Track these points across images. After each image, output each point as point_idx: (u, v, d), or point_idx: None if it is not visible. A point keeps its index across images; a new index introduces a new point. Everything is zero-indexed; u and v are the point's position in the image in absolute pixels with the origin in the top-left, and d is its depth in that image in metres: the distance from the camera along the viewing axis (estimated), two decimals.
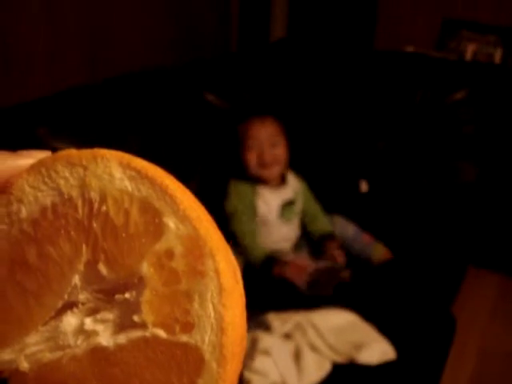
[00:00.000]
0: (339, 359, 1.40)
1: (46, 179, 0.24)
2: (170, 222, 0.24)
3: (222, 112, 1.90)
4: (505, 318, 2.46)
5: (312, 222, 1.89)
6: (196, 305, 0.23)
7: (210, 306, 0.23)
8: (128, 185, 0.24)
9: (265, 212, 1.79)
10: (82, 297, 0.24)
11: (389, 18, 3.10)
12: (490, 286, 2.65)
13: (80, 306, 0.24)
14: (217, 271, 0.24)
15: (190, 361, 0.23)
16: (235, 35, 3.10)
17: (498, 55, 2.92)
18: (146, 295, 0.24)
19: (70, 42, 2.08)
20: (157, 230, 0.24)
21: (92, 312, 0.24)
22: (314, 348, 1.40)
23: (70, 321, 0.24)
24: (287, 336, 1.43)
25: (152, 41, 2.43)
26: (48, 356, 0.24)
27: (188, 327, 0.23)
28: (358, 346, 1.41)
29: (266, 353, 1.31)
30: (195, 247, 0.24)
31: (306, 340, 1.41)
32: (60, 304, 0.24)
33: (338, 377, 1.36)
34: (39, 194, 0.24)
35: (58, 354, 0.24)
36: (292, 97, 2.30)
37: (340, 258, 1.78)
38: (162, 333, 0.23)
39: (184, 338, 0.23)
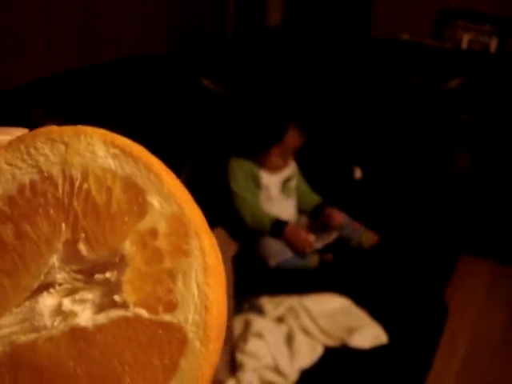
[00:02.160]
0: (331, 343, 1.41)
1: (25, 156, 0.24)
2: (155, 201, 0.23)
3: (216, 96, 1.90)
4: (496, 305, 2.47)
5: (303, 198, 1.97)
6: (180, 284, 0.23)
7: (194, 285, 0.23)
8: (111, 163, 0.24)
9: (268, 187, 1.86)
10: (59, 277, 0.24)
11: (385, 6, 3.10)
12: (483, 273, 2.66)
13: (57, 286, 0.24)
14: (202, 250, 0.23)
15: (173, 340, 0.23)
16: (231, 22, 3.09)
17: (493, 44, 2.92)
18: (128, 275, 0.23)
19: (65, 27, 2.06)
20: (140, 208, 0.23)
21: (70, 292, 0.24)
22: (306, 331, 1.42)
23: (47, 301, 0.24)
24: (280, 319, 1.44)
25: (148, 26, 2.42)
26: (22, 338, 0.23)
27: (171, 306, 0.23)
28: (351, 330, 1.42)
29: (259, 336, 1.32)
30: (180, 226, 0.23)
31: (298, 323, 1.42)
32: (36, 284, 0.23)
33: (330, 360, 1.37)
34: (17, 172, 0.23)
35: (33, 335, 0.23)
36: (287, 83, 2.29)
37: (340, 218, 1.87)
38: (144, 312, 0.23)
39: (167, 317, 0.23)
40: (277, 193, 1.87)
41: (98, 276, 0.23)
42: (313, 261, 1.78)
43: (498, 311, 2.43)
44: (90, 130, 0.24)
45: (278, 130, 1.76)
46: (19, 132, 0.25)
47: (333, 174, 2.26)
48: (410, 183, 2.27)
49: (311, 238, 1.80)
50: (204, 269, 0.23)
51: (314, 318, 1.44)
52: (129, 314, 0.23)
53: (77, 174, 0.23)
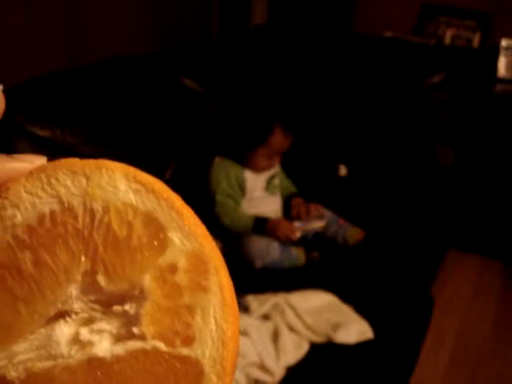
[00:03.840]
0: (317, 339, 1.42)
1: (46, 186, 0.24)
2: (175, 237, 0.24)
3: (199, 96, 1.90)
4: (485, 300, 2.49)
5: (285, 193, 1.98)
6: (198, 319, 0.24)
7: (213, 321, 0.24)
8: (133, 198, 0.24)
9: (252, 186, 1.86)
10: (76, 306, 0.24)
11: (368, 3, 3.11)
12: (470, 268, 2.68)
13: (74, 315, 0.24)
14: (221, 287, 0.24)
15: (190, 374, 0.23)
16: (216, 21, 3.09)
17: (476, 40, 2.93)
18: (147, 308, 0.24)
19: (47, 29, 2.05)
20: (161, 244, 0.24)
21: (87, 322, 0.24)
22: (292, 328, 1.42)
23: (64, 330, 0.24)
24: (265, 317, 1.45)
25: (132, 27, 2.42)
26: (38, 365, 0.23)
27: (189, 340, 0.24)
28: (336, 326, 1.42)
29: (244, 333, 1.32)
30: (199, 263, 0.24)
31: (284, 320, 1.43)
32: (52, 312, 0.24)
33: (316, 356, 1.38)
34: (37, 201, 0.24)
35: (50, 363, 0.23)
36: (272, 82, 2.30)
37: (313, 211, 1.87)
38: (161, 345, 0.23)
39: (184, 351, 0.24)
40: (261, 192, 1.88)
41: (116, 307, 0.24)
42: (299, 260, 1.78)
43: (486, 306, 2.45)
44: (112, 164, 0.24)
45: (262, 130, 1.76)
46: (39, 160, 0.25)
47: (318, 171, 2.26)
48: (394, 180, 2.28)
49: (295, 225, 1.80)
50: (222, 305, 0.24)
51: (299, 314, 1.44)
52: (147, 346, 0.23)
53: (98, 206, 0.24)
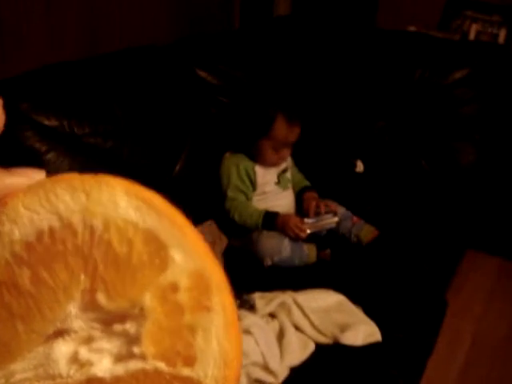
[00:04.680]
0: (324, 340, 1.38)
1: (44, 202, 0.23)
2: (177, 256, 0.23)
3: (212, 88, 1.87)
4: (502, 301, 2.43)
5: (296, 188, 1.94)
6: (200, 339, 0.23)
7: (215, 341, 0.23)
8: (133, 214, 0.23)
9: (263, 180, 1.82)
10: (75, 325, 0.23)
11: None
12: (489, 269, 2.62)
13: (73, 334, 0.23)
14: (223, 307, 0.24)
15: None
16: (238, 12, 3.05)
17: (502, 35, 2.85)
18: (147, 327, 0.23)
19: (68, 17, 2.04)
20: (162, 262, 0.23)
21: (86, 341, 0.23)
22: (298, 328, 1.38)
23: (62, 349, 0.23)
24: (271, 315, 1.41)
25: (153, 16, 2.38)
26: None
27: (190, 361, 0.23)
28: (344, 327, 1.38)
29: (247, 332, 1.29)
30: (201, 282, 0.23)
31: (290, 319, 1.39)
32: (51, 331, 0.23)
33: (322, 357, 1.34)
34: (35, 217, 0.23)
35: (48, 383, 0.23)
36: (291, 74, 2.26)
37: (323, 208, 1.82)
38: (162, 365, 0.23)
39: (185, 371, 0.23)
40: (273, 186, 1.84)
41: (116, 326, 0.23)
42: (310, 258, 1.74)
43: (503, 308, 2.38)
44: (112, 180, 0.24)
45: (264, 121, 1.72)
46: (37, 175, 0.24)
47: (333, 166, 2.22)
48: (413, 177, 2.23)
49: (306, 221, 1.76)
50: (225, 325, 0.24)
51: (306, 314, 1.41)
52: (147, 366, 0.23)
53: (98, 223, 0.23)
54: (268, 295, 1.47)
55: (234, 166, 1.79)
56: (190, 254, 0.23)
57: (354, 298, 1.53)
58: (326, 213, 1.82)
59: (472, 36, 2.87)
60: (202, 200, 1.76)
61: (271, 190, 1.83)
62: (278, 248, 1.71)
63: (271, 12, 3.17)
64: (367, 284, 1.65)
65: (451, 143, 2.23)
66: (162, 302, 0.23)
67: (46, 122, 1.35)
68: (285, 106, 1.75)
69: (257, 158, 1.80)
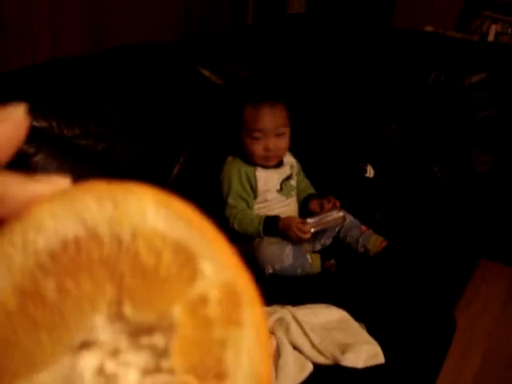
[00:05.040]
0: (323, 360, 1.30)
1: (70, 210, 0.23)
2: (207, 268, 0.23)
3: (215, 87, 1.78)
4: None
5: (302, 195, 1.87)
6: (230, 354, 0.23)
7: (246, 357, 0.23)
8: (162, 225, 0.23)
9: (265, 190, 1.75)
10: (102, 336, 0.22)
11: None
12: (502, 280, 2.52)
13: (98, 346, 0.22)
14: (254, 322, 0.23)
15: None
16: (251, 9, 2.97)
17: None
18: (176, 340, 0.22)
19: (74, 12, 1.96)
20: (191, 274, 0.23)
21: (113, 353, 0.23)
22: (296, 347, 1.30)
23: (88, 361, 0.22)
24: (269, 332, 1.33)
25: (161, 11, 2.30)
26: None
27: (220, 376, 0.22)
28: (345, 348, 1.30)
29: None
30: (232, 295, 0.23)
31: (288, 337, 1.31)
32: (76, 342, 0.22)
33: (320, 380, 1.26)
34: (60, 226, 0.22)
35: None
36: (300, 74, 2.17)
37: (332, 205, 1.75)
38: (192, 380, 0.22)
39: None
40: (275, 194, 1.76)
41: (144, 339, 0.23)
42: (314, 268, 1.66)
43: None
44: (140, 189, 0.23)
45: (235, 111, 1.65)
46: (62, 182, 0.24)
47: (342, 171, 2.13)
48: (425, 184, 2.14)
49: (309, 221, 1.66)
50: (256, 340, 0.23)
51: (305, 331, 1.33)
52: (176, 380, 0.22)
53: (125, 233, 0.23)
54: (267, 309, 1.39)
55: (236, 171, 1.71)
56: (220, 266, 0.23)
57: (358, 314, 1.45)
58: (330, 210, 1.74)
59: (491, 37, 2.77)
60: (201, 205, 1.68)
61: (273, 197, 1.75)
62: (279, 255, 1.63)
63: (285, 9, 3.09)
64: (372, 299, 1.57)
65: (466, 150, 2.14)
66: (191, 315, 0.22)
67: (34, 123, 1.27)
68: (251, 91, 1.70)
69: (249, 157, 1.72)
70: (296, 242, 1.65)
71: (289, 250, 1.64)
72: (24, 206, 0.23)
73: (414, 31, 2.48)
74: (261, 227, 1.66)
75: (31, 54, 1.82)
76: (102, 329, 0.22)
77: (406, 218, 2.00)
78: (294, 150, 1.86)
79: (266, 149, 1.69)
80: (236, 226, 1.66)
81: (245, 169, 1.72)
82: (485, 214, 2.15)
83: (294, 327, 1.33)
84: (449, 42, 2.32)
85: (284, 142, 1.73)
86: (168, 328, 0.23)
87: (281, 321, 1.35)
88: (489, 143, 2.14)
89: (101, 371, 0.22)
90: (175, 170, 1.60)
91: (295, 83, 2.11)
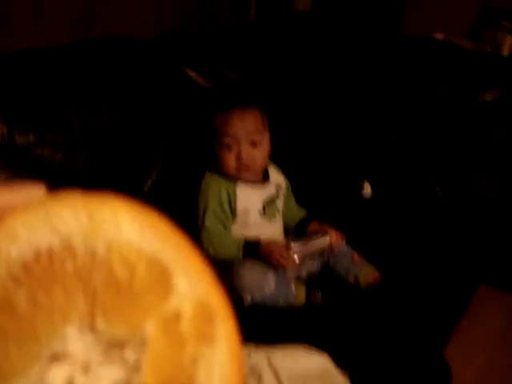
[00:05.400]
0: None
1: (44, 221, 0.22)
2: (181, 283, 0.23)
3: (202, 91, 1.61)
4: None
5: (289, 215, 1.70)
6: (202, 371, 0.22)
7: (218, 374, 0.22)
8: (137, 238, 0.22)
9: (245, 210, 1.57)
10: (72, 349, 0.22)
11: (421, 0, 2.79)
12: (501, 308, 2.37)
13: (69, 358, 0.22)
14: (227, 338, 0.23)
15: None
16: (254, 4, 2.80)
17: None
18: (148, 355, 0.22)
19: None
20: (165, 289, 0.22)
21: (83, 367, 0.22)
22: None
23: (58, 374, 0.22)
24: None
25: (158, 4, 2.11)
26: None
27: None
28: None
29: None
30: (205, 311, 0.23)
31: None
32: (46, 354, 0.22)
33: None
34: (34, 236, 0.22)
35: None
36: (297, 78, 2.00)
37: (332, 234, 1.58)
38: None
39: None
40: (257, 216, 1.58)
41: (115, 353, 0.22)
42: (298, 300, 1.49)
43: None
44: (116, 201, 0.23)
45: (207, 121, 1.49)
46: (37, 191, 0.24)
47: (336, 188, 1.96)
48: (424, 205, 1.97)
49: (293, 246, 1.50)
50: (228, 357, 0.23)
51: (281, 381, 1.16)
52: None
53: (99, 246, 0.22)
54: None
55: (214, 188, 1.53)
56: (194, 281, 0.23)
57: (342, 359, 1.28)
58: (315, 233, 1.57)
59: (506, 50, 2.59)
60: (177, 215, 1.51)
61: (255, 220, 1.58)
62: (260, 283, 1.46)
63: (290, 6, 2.92)
64: (359, 340, 1.40)
65: (472, 171, 1.97)
66: (164, 331, 0.22)
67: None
68: (220, 97, 1.55)
69: (223, 170, 1.55)
70: (279, 271, 1.49)
71: (271, 276, 1.47)
72: None
73: (425, 38, 2.31)
74: (240, 254, 1.49)
75: (11, 39, 1.64)
76: (74, 341, 0.22)
77: (401, 241, 1.83)
78: (281, 162, 1.69)
79: (239, 158, 1.52)
80: (212, 251, 1.49)
81: (225, 185, 1.54)
82: (486, 238, 1.99)
83: (267, 376, 1.16)
84: (461, 54, 2.15)
85: (260, 152, 1.54)
86: (140, 343, 0.22)
87: (253, 369, 1.18)
88: (497, 167, 1.97)
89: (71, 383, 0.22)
90: (146, 187, 1.42)
91: (289, 88, 1.94)
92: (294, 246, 1.49)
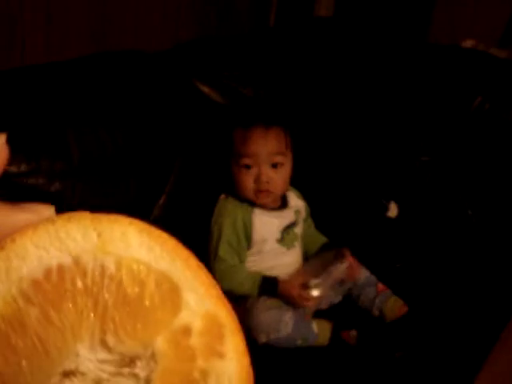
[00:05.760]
0: None
1: (54, 239, 0.22)
2: (190, 299, 0.23)
3: (216, 107, 1.49)
4: None
5: (308, 242, 1.58)
6: (212, 383, 0.23)
7: None
8: (146, 255, 0.23)
9: (262, 238, 1.45)
10: (83, 366, 0.22)
11: (448, 5, 2.65)
12: None
13: (80, 375, 0.22)
14: (237, 353, 0.23)
15: None
16: (274, 10, 2.69)
17: None
18: (158, 371, 0.22)
19: (70, 9, 1.67)
20: (174, 305, 0.23)
21: (95, 383, 0.22)
22: None
23: None
24: None
25: (174, 10, 1.99)
26: None
27: None
28: None
29: None
30: (214, 326, 0.23)
31: None
32: (58, 371, 0.22)
33: None
34: (44, 254, 0.22)
35: None
36: (317, 91, 1.88)
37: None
38: None
39: None
40: (274, 244, 1.46)
41: (126, 369, 0.23)
42: (320, 340, 1.36)
43: None
44: (125, 219, 0.23)
45: (225, 139, 1.38)
46: (47, 210, 0.24)
47: (359, 208, 1.83)
48: (455, 229, 1.83)
49: (312, 284, 1.38)
50: (238, 371, 0.23)
51: None
52: None
53: (109, 263, 0.23)
54: None
55: (230, 215, 1.41)
56: (203, 297, 0.23)
57: None
58: (331, 259, 1.45)
59: None
60: (187, 239, 1.39)
61: (271, 249, 1.45)
62: (276, 323, 1.33)
63: (311, 11, 2.81)
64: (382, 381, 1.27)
65: (507, 193, 1.83)
66: (174, 346, 0.22)
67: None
68: (242, 114, 1.44)
69: (240, 193, 1.43)
70: (299, 307, 1.37)
71: (289, 316, 1.34)
72: (8, 234, 0.23)
73: (452, 46, 2.18)
74: (255, 290, 1.37)
75: (21, 46, 1.54)
76: (85, 358, 0.22)
77: (430, 269, 1.70)
78: (299, 185, 1.56)
79: (258, 180, 1.39)
80: (225, 285, 1.36)
81: (241, 211, 1.42)
82: None
83: None
84: (493, 62, 2.01)
85: (281, 176, 1.42)
86: (151, 358, 0.22)
87: None
88: None
89: None
90: (155, 212, 1.30)
91: (309, 101, 1.81)
92: (313, 283, 1.37)
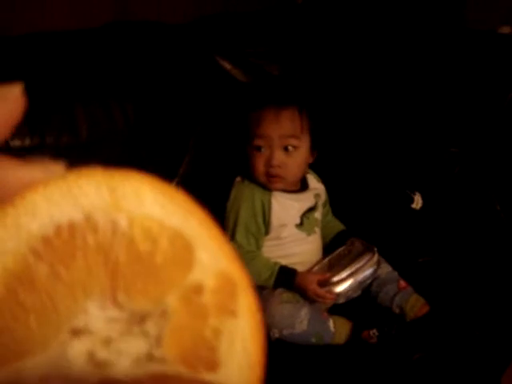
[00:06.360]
0: None
1: (66, 195, 0.22)
2: (203, 256, 0.22)
3: (238, 86, 1.41)
4: None
5: (325, 229, 1.52)
6: (224, 343, 0.22)
7: (240, 346, 0.23)
8: (159, 212, 0.22)
9: (281, 223, 1.39)
10: (93, 324, 0.22)
11: None
12: None
13: (90, 333, 0.21)
14: (250, 311, 0.23)
15: None
16: None
17: None
18: (169, 329, 0.22)
19: None
20: (187, 262, 0.22)
21: (104, 341, 0.22)
22: None
23: (78, 348, 0.21)
24: None
25: None
26: None
27: (213, 366, 0.22)
28: None
29: None
30: (227, 284, 0.23)
31: None
32: (66, 329, 0.21)
33: None
34: (55, 210, 0.21)
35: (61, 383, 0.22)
36: (344, 73, 1.79)
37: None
38: (184, 369, 0.22)
39: (208, 376, 0.22)
40: (293, 230, 1.39)
41: (136, 327, 0.22)
42: (336, 338, 1.30)
43: None
44: (138, 176, 0.23)
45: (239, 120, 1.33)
46: (58, 168, 0.23)
47: (382, 199, 1.75)
48: (483, 225, 1.75)
49: (334, 281, 1.33)
50: (250, 329, 0.23)
51: None
52: (168, 368, 0.22)
53: (121, 220, 0.22)
54: None
55: (248, 199, 1.35)
56: (216, 255, 0.23)
57: None
58: (360, 254, 1.38)
59: None
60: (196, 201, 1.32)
61: (290, 234, 1.39)
62: (290, 319, 1.27)
63: None
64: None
65: None
66: (186, 304, 0.22)
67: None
68: (255, 95, 1.38)
69: (253, 176, 1.37)
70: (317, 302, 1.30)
71: (305, 313, 1.28)
72: (19, 190, 0.22)
73: (488, 32, 2.07)
74: (271, 281, 1.30)
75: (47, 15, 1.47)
76: (95, 316, 0.22)
77: (454, 266, 1.62)
78: (317, 170, 1.49)
79: (268, 163, 1.33)
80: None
81: (259, 194, 1.35)
82: None
83: None
84: None
85: (294, 161, 1.35)
86: (162, 316, 0.22)
87: None
88: None
89: (92, 358, 0.22)
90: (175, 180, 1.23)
91: (335, 83, 1.73)
92: (335, 280, 1.30)
